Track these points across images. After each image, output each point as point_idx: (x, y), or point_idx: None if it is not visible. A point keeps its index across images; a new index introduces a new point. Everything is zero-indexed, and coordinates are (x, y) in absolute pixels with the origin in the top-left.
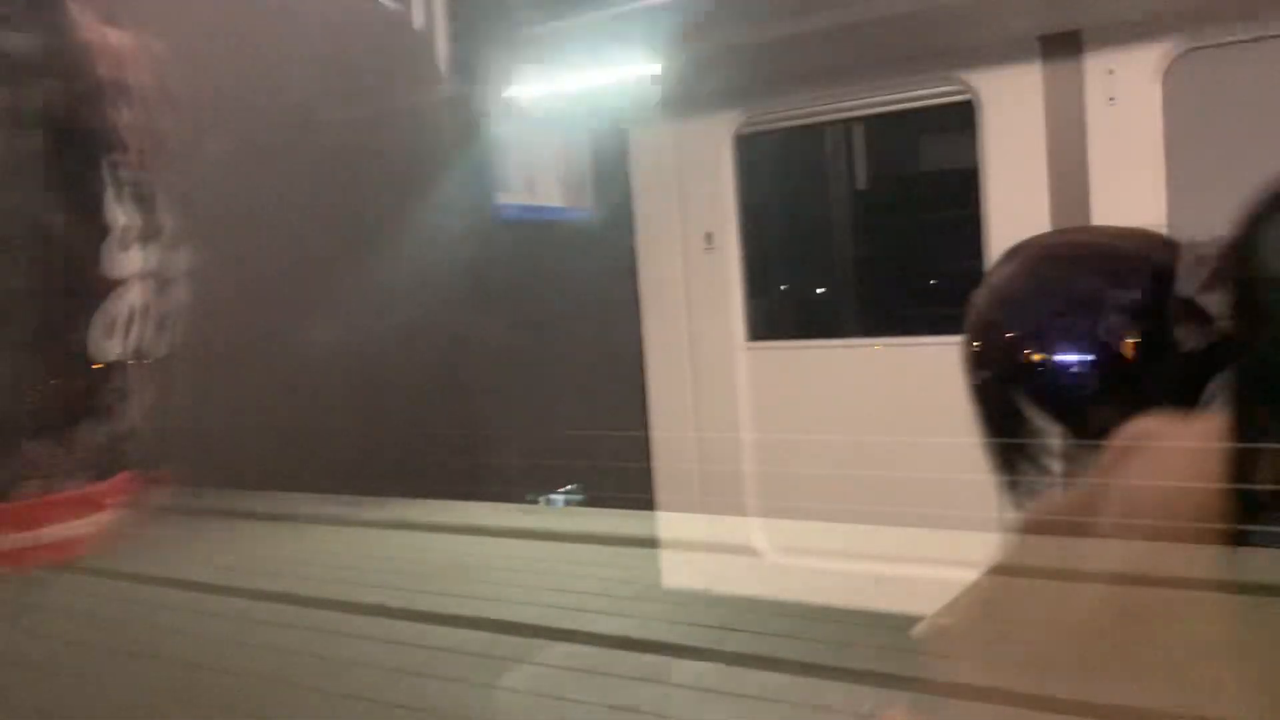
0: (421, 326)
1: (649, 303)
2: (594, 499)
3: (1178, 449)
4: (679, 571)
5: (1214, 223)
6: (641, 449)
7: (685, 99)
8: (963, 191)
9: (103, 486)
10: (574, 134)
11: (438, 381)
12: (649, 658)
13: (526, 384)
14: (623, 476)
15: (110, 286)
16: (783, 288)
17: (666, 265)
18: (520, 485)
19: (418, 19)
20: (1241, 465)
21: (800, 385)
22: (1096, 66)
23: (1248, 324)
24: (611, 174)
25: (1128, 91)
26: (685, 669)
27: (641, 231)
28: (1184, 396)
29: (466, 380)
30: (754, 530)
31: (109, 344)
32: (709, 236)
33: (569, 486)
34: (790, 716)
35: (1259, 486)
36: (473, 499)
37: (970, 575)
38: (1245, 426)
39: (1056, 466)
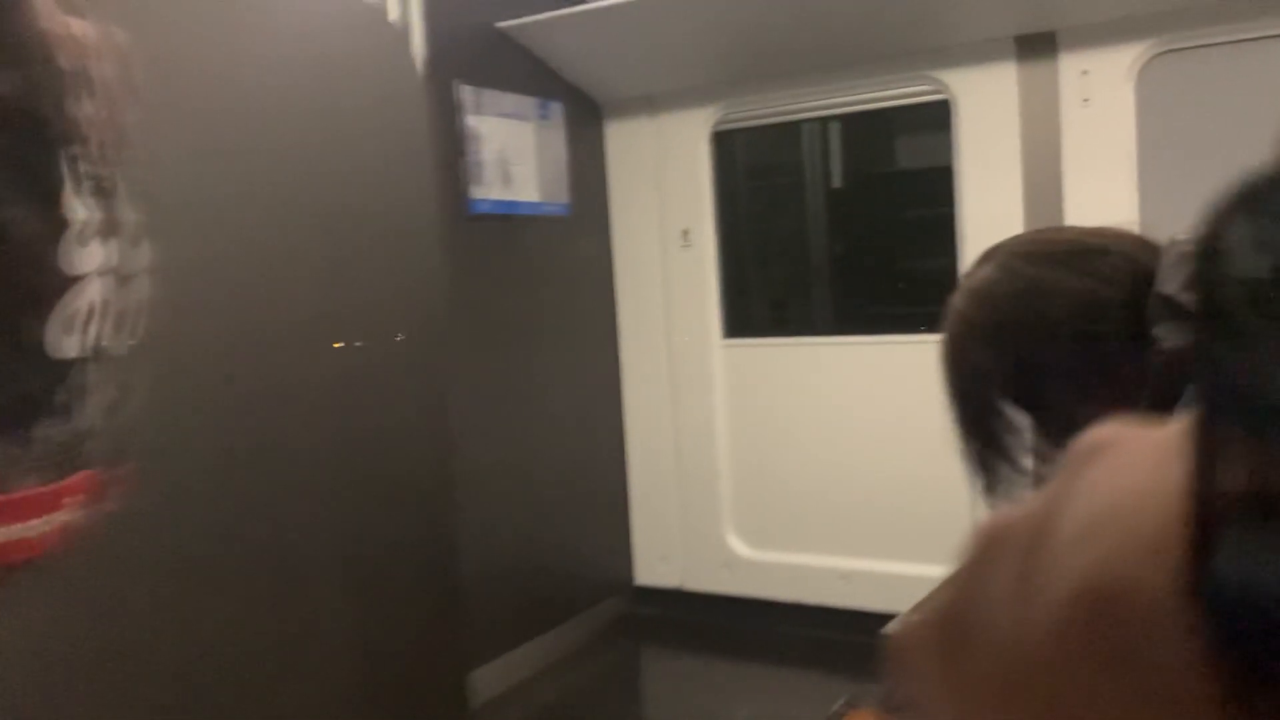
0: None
1: (625, 299)
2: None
3: (1138, 455)
4: None
5: (1185, 223)
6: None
7: (662, 95)
8: (938, 191)
9: (61, 485)
10: (550, 128)
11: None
12: None
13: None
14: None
15: (69, 282)
16: (759, 285)
17: (642, 262)
18: None
19: (393, 11)
20: (1204, 472)
21: (776, 383)
22: (1071, 67)
23: (1210, 324)
24: (587, 170)
25: (1101, 92)
26: None
27: (617, 228)
28: (1164, 397)
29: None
30: None
31: (68, 340)
32: (685, 233)
33: None
34: None
35: (1222, 495)
36: None
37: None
38: (1209, 431)
39: (1033, 467)
